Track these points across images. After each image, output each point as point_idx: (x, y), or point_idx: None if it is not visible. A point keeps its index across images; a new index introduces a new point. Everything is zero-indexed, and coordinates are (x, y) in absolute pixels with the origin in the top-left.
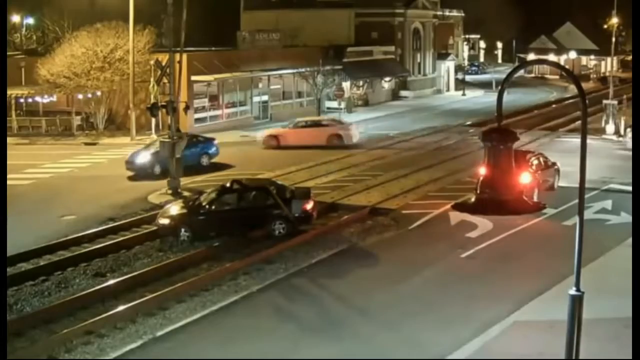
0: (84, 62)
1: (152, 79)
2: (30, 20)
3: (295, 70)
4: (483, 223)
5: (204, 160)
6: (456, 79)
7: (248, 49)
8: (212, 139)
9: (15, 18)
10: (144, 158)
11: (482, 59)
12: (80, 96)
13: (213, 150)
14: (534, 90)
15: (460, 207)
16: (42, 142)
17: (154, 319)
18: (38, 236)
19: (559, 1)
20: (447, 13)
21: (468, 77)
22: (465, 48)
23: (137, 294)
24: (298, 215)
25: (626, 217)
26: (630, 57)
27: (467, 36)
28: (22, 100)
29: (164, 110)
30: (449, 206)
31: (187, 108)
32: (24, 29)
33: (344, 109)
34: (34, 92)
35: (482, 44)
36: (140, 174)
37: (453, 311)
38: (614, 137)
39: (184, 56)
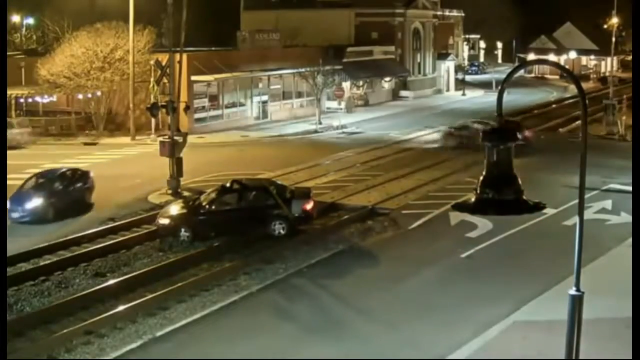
0: (84, 62)
1: (152, 79)
2: (30, 20)
3: (295, 70)
4: (483, 223)
5: (87, 197)
6: (456, 79)
7: (248, 49)
8: (88, 172)
9: (15, 18)
10: (35, 201)
11: (482, 59)
12: (80, 96)
13: (91, 183)
14: (534, 90)
15: (460, 207)
16: (42, 142)
17: (154, 319)
18: (38, 236)
19: (559, 1)
20: (447, 13)
21: (468, 77)
22: (465, 48)
23: (137, 294)
24: (298, 215)
25: (626, 217)
26: (630, 57)
27: (467, 36)
28: (22, 100)
29: (164, 110)
30: (449, 206)
31: (187, 108)
32: (24, 29)
33: (344, 109)
34: (34, 92)
35: (482, 44)
36: (27, 221)
37: (453, 311)
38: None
39: (184, 56)
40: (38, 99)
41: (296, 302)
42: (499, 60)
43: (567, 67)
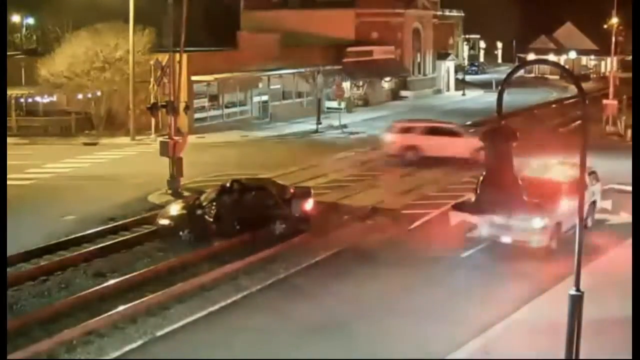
0: (84, 62)
1: (152, 79)
2: (30, 20)
3: (295, 70)
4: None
5: None
6: (456, 79)
7: (248, 49)
8: None
9: (15, 18)
10: None
11: (482, 59)
12: (80, 96)
13: None
14: (534, 90)
15: (460, 207)
16: (42, 142)
17: (154, 319)
18: (38, 236)
19: (559, 1)
20: (447, 13)
21: (468, 77)
22: (465, 48)
23: (137, 294)
24: (298, 215)
25: (626, 217)
26: (630, 57)
27: (467, 36)
28: (22, 100)
29: (164, 110)
30: (449, 206)
31: (187, 108)
32: (24, 29)
33: (344, 109)
34: (34, 92)
35: (482, 44)
36: None
37: (453, 311)
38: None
39: (184, 56)
40: (38, 99)
41: (296, 302)
42: (499, 60)
43: (567, 67)
